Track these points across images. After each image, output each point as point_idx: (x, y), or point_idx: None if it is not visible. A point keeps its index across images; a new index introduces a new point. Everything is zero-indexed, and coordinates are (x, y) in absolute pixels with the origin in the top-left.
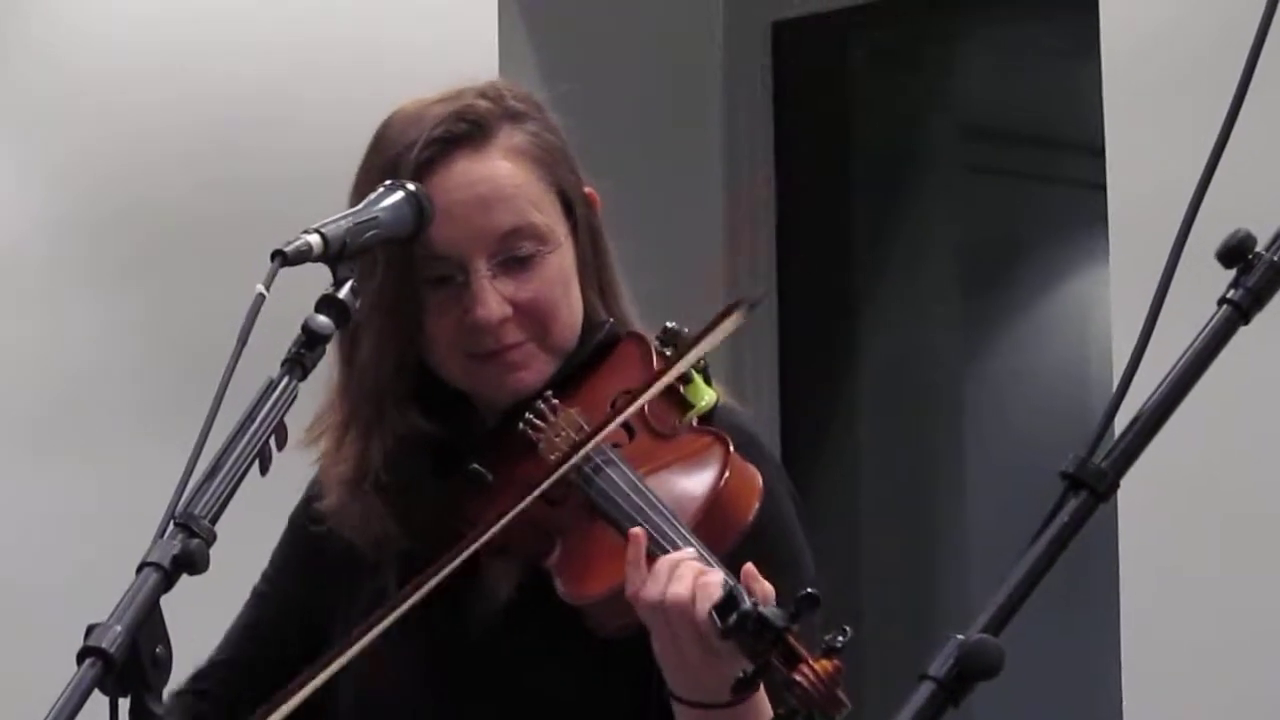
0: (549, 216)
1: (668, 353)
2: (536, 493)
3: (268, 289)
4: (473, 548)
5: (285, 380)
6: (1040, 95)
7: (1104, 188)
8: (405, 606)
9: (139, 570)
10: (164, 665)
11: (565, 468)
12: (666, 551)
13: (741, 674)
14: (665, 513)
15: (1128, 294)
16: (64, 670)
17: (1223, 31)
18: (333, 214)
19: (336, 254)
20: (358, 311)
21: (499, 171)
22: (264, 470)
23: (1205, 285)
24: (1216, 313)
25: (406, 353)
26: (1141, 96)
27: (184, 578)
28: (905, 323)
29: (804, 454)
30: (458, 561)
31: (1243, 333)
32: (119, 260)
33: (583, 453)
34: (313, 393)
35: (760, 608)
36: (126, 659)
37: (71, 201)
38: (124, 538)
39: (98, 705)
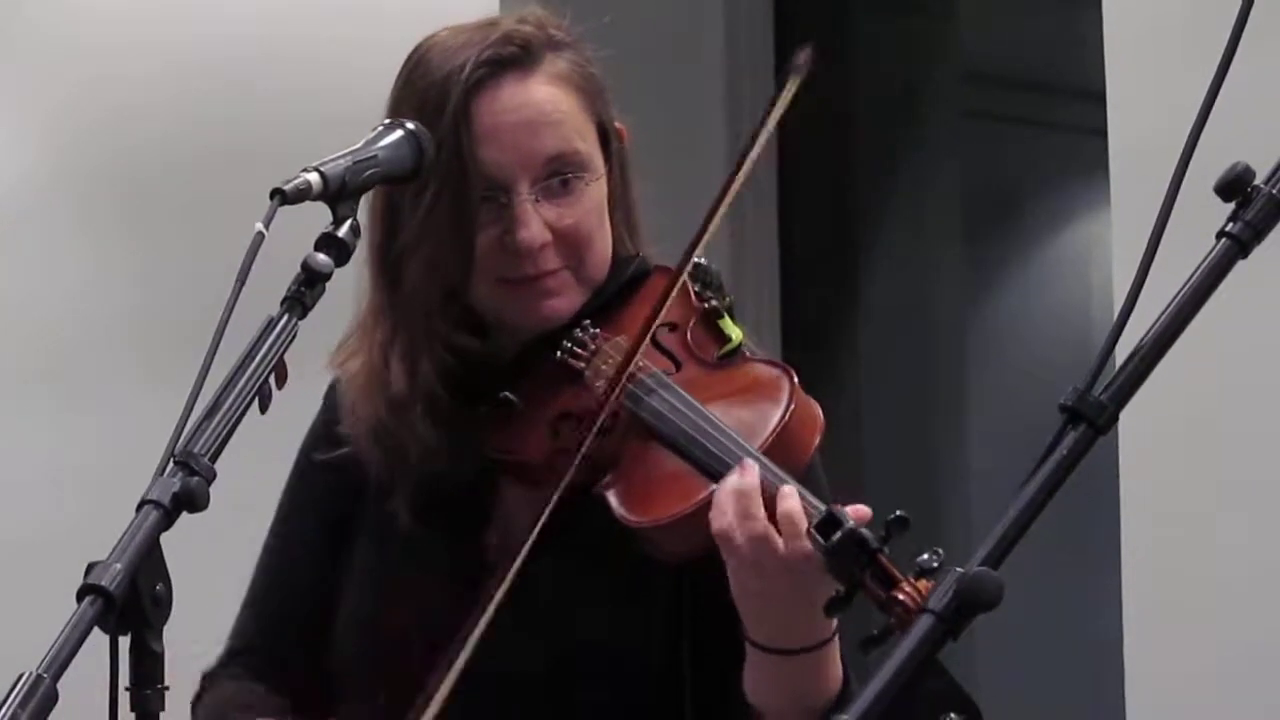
0: (590, 145)
1: (697, 288)
2: (605, 414)
3: (267, 228)
4: (561, 486)
5: (285, 318)
6: (1042, 40)
7: (1105, 133)
8: (515, 567)
9: (139, 508)
10: (164, 603)
11: (620, 386)
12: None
13: (836, 593)
14: (731, 433)
15: (1129, 238)
16: (59, 616)
17: None
18: (329, 154)
19: (336, 192)
20: (404, 232)
21: (545, 96)
22: (264, 408)
23: (1206, 221)
24: (1215, 246)
25: (456, 272)
26: (1142, 41)
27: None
28: (907, 268)
29: None
30: (549, 508)
31: (1243, 267)
32: (111, 203)
33: (631, 365)
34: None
35: (859, 528)
36: (127, 597)
37: (65, 145)
38: (118, 486)
39: (98, 644)
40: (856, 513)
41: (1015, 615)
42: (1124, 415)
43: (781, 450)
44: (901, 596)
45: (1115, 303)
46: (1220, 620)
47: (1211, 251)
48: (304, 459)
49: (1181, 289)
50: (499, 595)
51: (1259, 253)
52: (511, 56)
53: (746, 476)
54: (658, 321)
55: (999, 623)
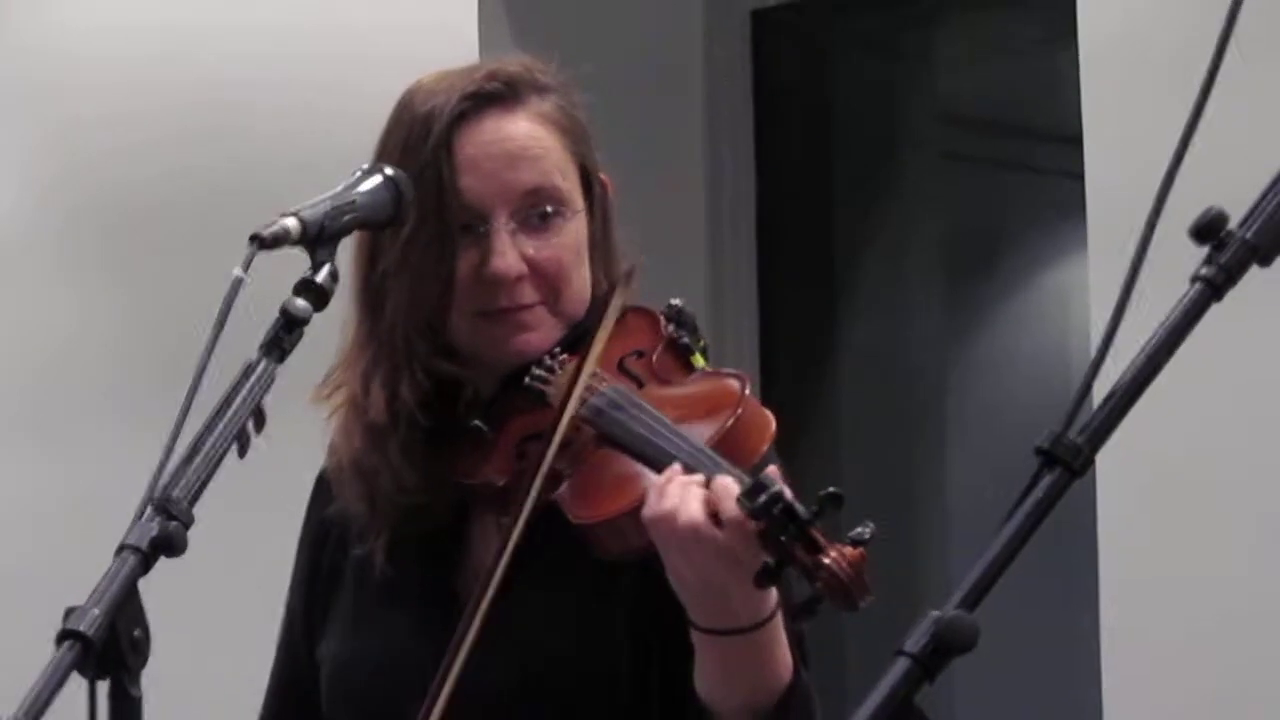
0: (571, 184)
1: (671, 327)
2: (558, 435)
3: (245, 272)
4: (527, 506)
5: (263, 363)
6: (1019, 84)
7: (1082, 176)
8: (495, 580)
9: (117, 553)
10: (142, 648)
11: (573, 390)
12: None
13: (766, 563)
14: (680, 432)
15: (1106, 282)
16: (36, 658)
17: (1199, 20)
18: (312, 197)
19: (314, 237)
20: (385, 260)
21: (527, 131)
22: (242, 453)
23: (1182, 266)
24: (1190, 290)
25: (436, 301)
26: (1119, 85)
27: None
28: (886, 311)
29: (785, 440)
30: (522, 520)
31: (1219, 311)
32: (92, 245)
33: (586, 374)
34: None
35: (787, 494)
36: (105, 642)
37: (45, 186)
38: (95, 526)
39: (76, 688)
40: (769, 471)
41: (992, 654)
42: (1100, 457)
43: (729, 451)
44: (828, 561)
45: (1093, 344)
46: (1198, 658)
47: (1186, 295)
48: (305, 518)
49: (1156, 332)
50: (475, 625)
51: (1233, 296)
52: (496, 92)
53: (677, 470)
54: (612, 319)
55: (975, 662)
